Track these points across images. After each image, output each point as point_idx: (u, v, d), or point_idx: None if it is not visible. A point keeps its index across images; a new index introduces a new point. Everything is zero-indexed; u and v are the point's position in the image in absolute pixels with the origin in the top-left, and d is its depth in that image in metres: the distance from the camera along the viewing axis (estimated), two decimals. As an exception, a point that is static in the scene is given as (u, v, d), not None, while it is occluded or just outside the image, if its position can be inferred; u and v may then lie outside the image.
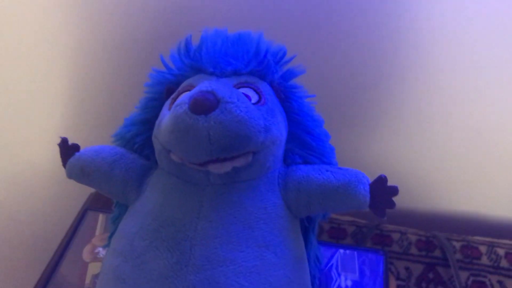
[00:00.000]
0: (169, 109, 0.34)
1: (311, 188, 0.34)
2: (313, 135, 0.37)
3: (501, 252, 0.61)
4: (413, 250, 0.62)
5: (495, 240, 0.63)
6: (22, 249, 0.79)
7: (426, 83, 0.60)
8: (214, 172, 0.32)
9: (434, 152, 0.66)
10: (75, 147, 0.37)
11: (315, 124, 0.37)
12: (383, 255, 0.51)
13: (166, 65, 0.38)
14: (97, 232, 0.54)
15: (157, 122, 0.35)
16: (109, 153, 0.36)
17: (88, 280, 0.49)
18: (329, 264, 0.50)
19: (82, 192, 0.66)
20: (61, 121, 0.70)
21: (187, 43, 0.37)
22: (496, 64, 0.57)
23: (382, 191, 0.33)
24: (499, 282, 0.58)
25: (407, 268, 0.60)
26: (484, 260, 0.60)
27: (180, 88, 0.36)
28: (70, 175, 0.37)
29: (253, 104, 0.33)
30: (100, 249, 0.52)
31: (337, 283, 0.49)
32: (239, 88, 0.34)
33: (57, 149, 0.71)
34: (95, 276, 0.49)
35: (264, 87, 0.35)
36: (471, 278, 0.59)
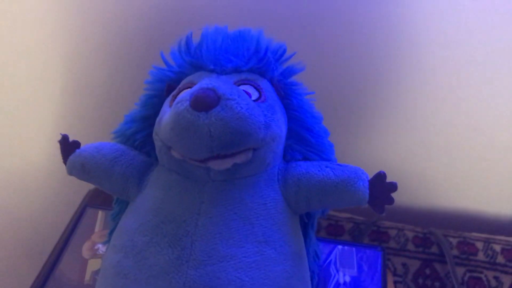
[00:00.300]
0: (170, 106, 0.34)
1: (310, 184, 0.34)
2: (312, 131, 0.37)
3: (497, 248, 0.61)
4: (410, 246, 0.62)
5: (491, 236, 0.63)
6: (21, 246, 0.79)
7: (424, 81, 0.60)
8: (214, 168, 0.32)
9: (431, 149, 0.66)
10: (76, 144, 0.37)
11: (315, 121, 0.37)
12: (381, 251, 0.51)
13: (166, 63, 0.38)
14: (97, 229, 0.54)
15: (157, 119, 0.35)
16: (109, 150, 0.36)
17: (87, 276, 0.49)
18: (328, 260, 0.50)
19: (80, 189, 0.66)
20: (59, 118, 0.70)
21: (188, 41, 0.37)
22: (492, 62, 0.57)
23: (381, 187, 0.33)
24: (495, 277, 0.59)
25: (404, 264, 0.60)
26: (481, 256, 0.61)
27: (180, 85, 0.36)
28: (70, 172, 0.37)
29: (254, 101, 0.33)
30: (100, 245, 0.52)
31: (335, 279, 0.49)
32: (239, 85, 0.34)
33: (55, 147, 0.71)
34: (95, 273, 0.50)
35: (264, 84, 0.35)
36: (468, 274, 0.59)
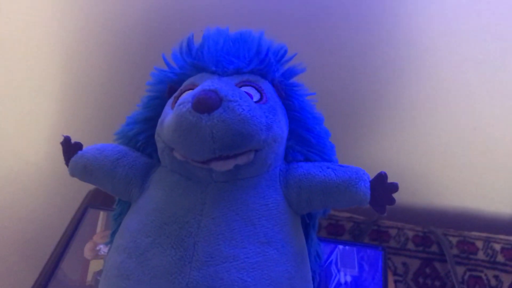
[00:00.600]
0: (172, 107, 0.34)
1: (312, 185, 0.34)
2: (313, 132, 0.37)
3: (497, 247, 0.62)
4: (410, 246, 0.62)
5: (491, 235, 0.64)
6: (22, 247, 0.79)
7: (424, 82, 0.60)
8: (216, 169, 0.32)
9: (431, 149, 0.67)
10: (78, 146, 0.37)
11: (316, 122, 0.37)
12: (382, 251, 0.51)
13: (168, 64, 0.38)
14: (98, 229, 0.54)
15: (159, 120, 0.35)
16: (112, 151, 0.37)
17: (89, 277, 0.49)
18: (329, 260, 0.51)
19: (80, 190, 0.66)
20: (58, 119, 0.70)
21: (189, 42, 0.37)
22: (492, 62, 0.57)
23: (382, 187, 0.33)
24: (495, 276, 0.59)
25: (404, 263, 0.61)
26: (481, 255, 0.61)
27: (182, 87, 0.36)
28: (73, 174, 0.37)
29: (255, 102, 0.33)
30: (101, 246, 0.52)
31: (336, 279, 0.49)
32: (241, 86, 0.34)
33: (55, 147, 0.71)
34: (97, 273, 0.50)
35: (265, 85, 0.35)
36: (468, 273, 0.59)
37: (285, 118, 0.36)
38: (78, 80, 0.66)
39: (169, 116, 0.33)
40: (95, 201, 0.62)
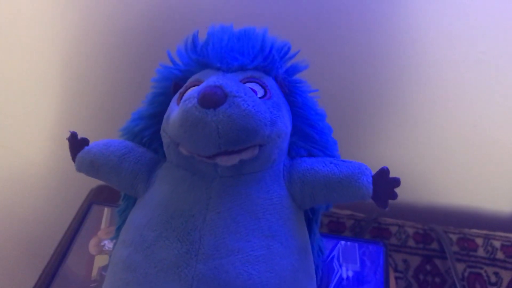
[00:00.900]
0: (177, 103, 0.34)
1: (315, 180, 0.35)
2: (316, 128, 0.38)
3: (496, 244, 0.62)
4: (411, 243, 0.63)
5: (491, 232, 0.64)
6: (27, 245, 0.79)
7: (425, 80, 0.61)
8: (222, 164, 0.33)
9: (431, 148, 0.67)
10: (85, 141, 0.37)
11: (319, 118, 0.38)
12: (383, 247, 0.52)
13: (173, 61, 0.39)
14: (103, 225, 0.55)
15: (165, 116, 0.35)
16: (118, 146, 0.37)
17: (94, 272, 0.50)
18: (331, 256, 0.51)
19: (83, 187, 0.66)
20: (60, 117, 0.70)
21: (194, 39, 0.37)
22: (491, 61, 0.58)
23: (385, 182, 0.33)
24: (495, 273, 0.60)
25: (404, 260, 0.61)
26: (481, 252, 0.62)
27: (187, 83, 0.36)
28: (79, 169, 0.37)
29: (259, 98, 0.34)
30: (106, 242, 0.53)
31: (338, 274, 0.50)
32: (245, 83, 0.34)
33: (56, 145, 0.72)
34: (102, 269, 0.50)
35: (269, 81, 0.36)
36: (468, 270, 0.60)
37: (288, 114, 0.37)
38: (80, 77, 0.66)
39: (174, 112, 0.33)
40: (98, 198, 0.63)
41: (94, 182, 0.66)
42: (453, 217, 0.72)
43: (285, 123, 0.35)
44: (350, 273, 0.50)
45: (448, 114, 0.63)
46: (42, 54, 0.64)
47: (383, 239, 0.62)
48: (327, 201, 0.36)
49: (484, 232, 0.64)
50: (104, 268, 0.50)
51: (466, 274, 0.60)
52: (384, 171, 0.34)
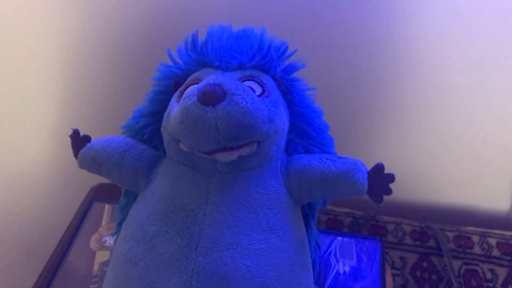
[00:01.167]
0: (178, 101, 0.35)
1: (312, 176, 0.36)
2: (313, 125, 0.38)
3: (492, 241, 0.63)
4: (408, 240, 0.64)
5: (487, 230, 0.65)
6: (28, 243, 0.79)
7: (422, 80, 0.61)
8: (221, 160, 0.33)
9: (428, 146, 0.68)
10: (87, 138, 0.38)
11: (316, 116, 0.39)
12: (380, 242, 0.53)
13: (173, 60, 0.39)
14: (104, 222, 0.55)
15: (165, 113, 0.36)
16: (119, 143, 0.38)
17: (96, 268, 0.51)
18: (328, 251, 0.52)
19: (83, 187, 0.67)
20: (61, 117, 0.71)
21: (194, 38, 0.38)
22: (488, 62, 0.58)
23: (380, 178, 0.34)
24: (491, 270, 0.60)
25: (402, 258, 0.62)
26: (477, 249, 0.62)
27: (187, 82, 0.37)
28: (81, 165, 0.38)
29: (257, 96, 0.34)
30: (107, 238, 0.53)
31: (335, 269, 0.50)
32: (244, 81, 0.35)
33: (56, 144, 0.72)
34: (103, 264, 0.51)
35: (267, 80, 0.37)
36: (464, 267, 0.61)
37: (286, 112, 0.37)
38: (81, 76, 0.67)
39: (175, 109, 0.34)
40: (99, 196, 0.63)
41: (94, 181, 0.67)
42: (450, 215, 0.73)
43: (283, 120, 0.36)
44: (347, 268, 0.51)
45: (445, 113, 0.64)
46: (42, 53, 0.65)
47: (380, 237, 0.63)
48: (324, 196, 0.37)
49: (480, 229, 0.65)
50: (106, 264, 0.51)
51: (462, 271, 0.60)
52: (379, 167, 0.35)
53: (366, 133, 0.67)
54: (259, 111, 0.33)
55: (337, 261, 0.51)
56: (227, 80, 0.33)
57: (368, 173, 0.35)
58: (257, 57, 0.37)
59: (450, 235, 0.64)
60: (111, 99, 0.68)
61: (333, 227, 0.65)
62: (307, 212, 0.40)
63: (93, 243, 0.53)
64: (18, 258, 0.80)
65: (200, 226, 0.33)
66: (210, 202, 0.34)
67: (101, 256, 0.52)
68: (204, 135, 0.31)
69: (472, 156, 0.67)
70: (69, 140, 0.39)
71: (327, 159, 0.36)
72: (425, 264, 0.61)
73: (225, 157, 0.33)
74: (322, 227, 0.65)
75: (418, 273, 0.60)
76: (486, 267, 0.61)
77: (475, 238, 0.63)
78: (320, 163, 0.36)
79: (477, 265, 0.61)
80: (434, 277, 0.60)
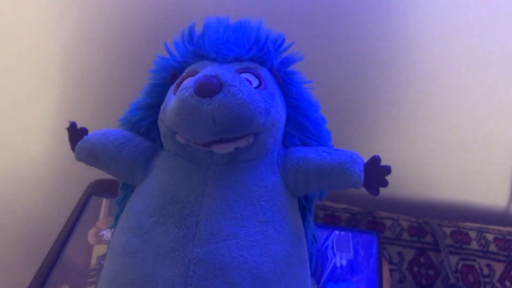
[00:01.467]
0: (174, 93, 0.35)
1: (308, 168, 0.36)
2: (310, 118, 0.38)
3: (489, 237, 0.63)
4: (405, 236, 0.64)
5: (484, 226, 0.65)
6: (26, 237, 0.79)
7: (420, 76, 0.61)
8: (217, 152, 0.33)
9: (426, 142, 0.68)
10: (84, 131, 0.38)
11: (313, 109, 0.39)
12: (376, 236, 0.53)
13: (170, 52, 0.39)
14: (101, 216, 0.56)
15: (162, 106, 0.36)
16: (116, 136, 0.38)
17: (93, 261, 0.51)
18: (325, 245, 0.52)
19: (81, 183, 0.67)
20: (59, 112, 0.71)
21: (191, 31, 0.38)
22: (485, 60, 0.58)
23: (376, 170, 0.34)
24: (488, 265, 0.60)
25: (399, 253, 0.62)
26: (474, 245, 0.62)
27: (184, 74, 0.37)
28: (79, 158, 0.38)
29: (254, 88, 0.34)
30: (104, 232, 0.54)
31: (332, 263, 0.50)
32: (240, 73, 0.35)
33: (54, 140, 0.72)
34: (101, 257, 0.51)
35: (264, 72, 0.37)
36: (461, 262, 0.61)
37: (283, 104, 0.37)
38: (78, 69, 0.66)
39: (171, 101, 0.34)
40: (97, 192, 0.63)
41: (92, 177, 0.67)
42: (447, 211, 0.73)
43: (279, 113, 0.36)
44: (344, 262, 0.51)
45: (442, 108, 0.64)
46: (40, 49, 0.65)
47: (377, 230, 0.63)
48: (320, 188, 0.37)
49: (477, 225, 0.65)
50: (103, 257, 0.51)
51: (459, 266, 0.60)
52: (375, 159, 0.35)
53: (363, 128, 0.67)
54: (256, 103, 0.33)
55: (334, 255, 0.51)
56: (223, 72, 0.33)
57: (365, 165, 0.35)
58: (254, 49, 0.37)
59: (448, 230, 0.64)
60: (108, 92, 0.68)
61: (330, 222, 0.65)
62: (304, 205, 0.40)
63: (90, 237, 0.53)
64: (16, 252, 0.80)
65: (197, 218, 0.33)
66: (207, 194, 0.34)
67: (99, 250, 0.52)
68: (200, 126, 0.31)
69: (470, 152, 0.68)
70: (67, 135, 0.39)
71: (324, 151, 0.36)
72: (422, 260, 0.61)
73: (221, 149, 0.33)
74: (319, 222, 0.65)
75: (415, 269, 0.60)
76: (483, 262, 0.61)
77: (473, 234, 0.63)
78: (316, 155, 0.36)
79: (474, 261, 0.61)
80: (431, 272, 0.60)
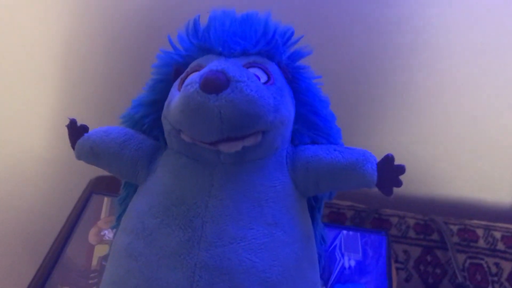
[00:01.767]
0: (178, 89, 0.34)
1: (319, 167, 0.34)
2: (320, 115, 0.37)
3: (497, 235, 0.62)
4: (412, 234, 0.63)
5: (492, 223, 0.64)
6: (26, 236, 0.79)
7: (428, 73, 0.60)
8: (224, 151, 0.32)
9: (432, 139, 0.67)
10: (84, 128, 0.37)
11: (322, 105, 0.37)
12: (385, 236, 0.52)
13: (174, 46, 0.38)
14: (102, 215, 0.54)
15: (166, 102, 0.35)
16: (118, 133, 0.36)
17: (94, 262, 0.50)
18: (333, 245, 0.51)
19: (82, 179, 0.66)
20: (60, 108, 0.70)
21: (195, 24, 0.36)
22: (492, 54, 0.58)
23: (389, 169, 0.33)
24: (496, 264, 0.59)
25: (405, 251, 0.61)
26: (481, 243, 0.62)
27: (188, 69, 0.36)
28: (79, 156, 0.37)
29: (263, 83, 0.33)
30: (106, 231, 0.53)
31: (341, 263, 0.49)
32: (248, 68, 0.34)
33: (55, 137, 0.71)
34: (102, 258, 0.50)
35: (272, 67, 0.35)
36: (468, 261, 0.60)
37: (292, 101, 0.36)
38: (79, 64, 0.66)
39: (176, 98, 0.33)
40: (98, 188, 0.62)
41: (93, 173, 0.66)
42: (454, 208, 0.72)
43: (289, 110, 0.35)
44: (352, 263, 0.50)
45: (448, 106, 0.63)
46: (40, 44, 0.64)
47: (385, 230, 0.62)
48: (331, 188, 0.35)
49: (485, 223, 0.64)
50: (104, 258, 0.50)
51: (466, 264, 0.59)
52: (388, 158, 0.33)
53: (370, 126, 0.67)
54: (265, 100, 0.31)
55: (342, 255, 0.50)
56: (230, 66, 0.31)
57: (378, 164, 0.34)
58: (262, 42, 0.35)
59: (454, 228, 0.63)
60: (110, 88, 0.67)
61: (336, 220, 0.64)
62: (313, 205, 0.39)
63: (91, 237, 0.52)
64: (16, 251, 0.79)
65: (203, 220, 0.32)
66: (213, 195, 0.33)
67: (100, 250, 0.51)
68: (206, 124, 0.30)
69: (476, 149, 0.67)
70: (67, 132, 0.37)
71: (335, 150, 0.35)
72: (429, 258, 0.60)
73: (228, 148, 0.32)
74: (324, 220, 0.64)
75: (422, 267, 0.59)
76: (491, 260, 0.60)
77: (480, 232, 0.63)
78: (327, 154, 0.35)
79: (482, 259, 0.60)
80: (438, 270, 0.59)
